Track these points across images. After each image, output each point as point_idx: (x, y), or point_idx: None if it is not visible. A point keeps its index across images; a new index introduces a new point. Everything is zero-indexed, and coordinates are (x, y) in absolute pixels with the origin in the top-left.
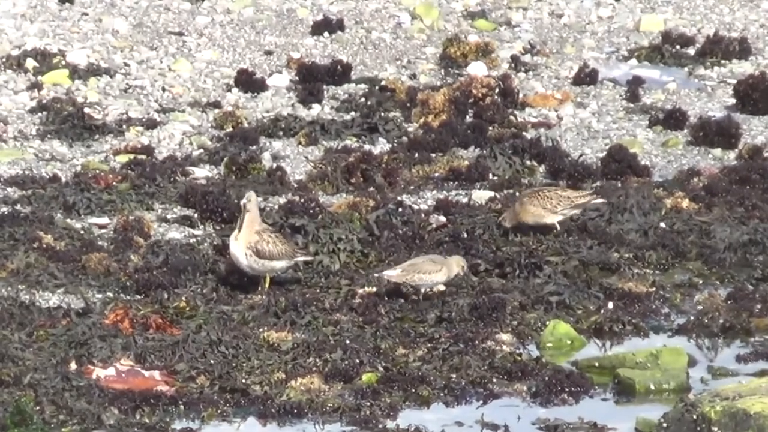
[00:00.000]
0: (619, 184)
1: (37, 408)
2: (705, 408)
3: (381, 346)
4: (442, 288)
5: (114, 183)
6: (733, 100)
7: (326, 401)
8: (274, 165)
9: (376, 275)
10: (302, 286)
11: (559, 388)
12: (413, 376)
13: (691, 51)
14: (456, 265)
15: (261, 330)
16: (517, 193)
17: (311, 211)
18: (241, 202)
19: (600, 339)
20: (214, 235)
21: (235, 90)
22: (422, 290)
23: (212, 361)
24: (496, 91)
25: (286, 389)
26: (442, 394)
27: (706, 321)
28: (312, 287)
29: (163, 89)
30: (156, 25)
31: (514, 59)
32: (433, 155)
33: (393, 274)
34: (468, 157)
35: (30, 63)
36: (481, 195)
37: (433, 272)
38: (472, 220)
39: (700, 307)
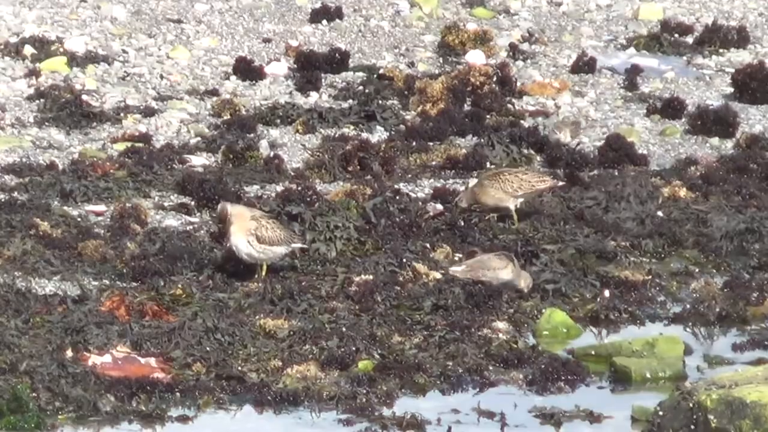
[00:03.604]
0: (617, 173)
1: (33, 395)
2: (701, 396)
3: (377, 333)
4: (438, 276)
5: (111, 170)
6: (731, 89)
7: (322, 389)
8: (272, 153)
9: (441, 270)
10: (298, 274)
11: (556, 376)
12: (409, 363)
13: (690, 40)
14: (524, 279)
15: (257, 317)
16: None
17: (308, 199)
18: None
19: (596, 327)
20: (210, 222)
21: (233, 78)
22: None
23: (208, 349)
24: (494, 79)
25: (283, 377)
26: (438, 382)
27: (702, 309)
28: (308, 275)
29: (161, 77)
30: (154, 12)
31: (513, 47)
32: (431, 143)
33: (458, 269)
34: (465, 145)
35: (28, 50)
36: None
37: (500, 268)
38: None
39: (696, 296)
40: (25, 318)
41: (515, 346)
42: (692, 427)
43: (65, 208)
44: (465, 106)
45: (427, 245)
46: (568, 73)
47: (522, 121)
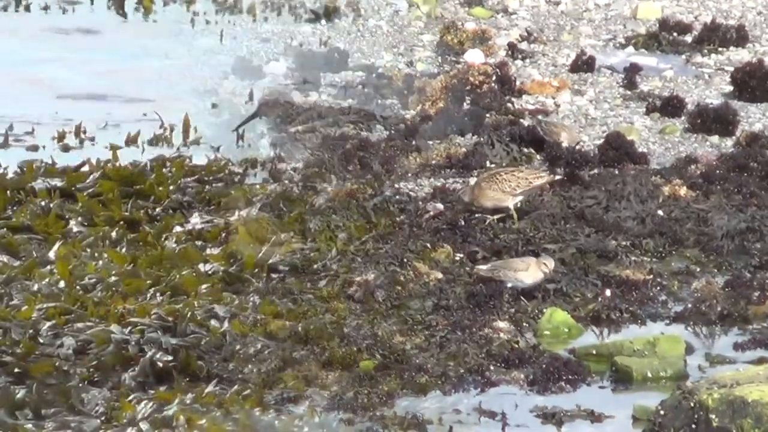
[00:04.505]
0: (617, 172)
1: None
2: (702, 395)
3: (378, 333)
4: (439, 275)
5: None
6: (731, 88)
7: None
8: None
9: (467, 268)
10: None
11: (557, 375)
12: (410, 363)
13: (689, 38)
14: (536, 266)
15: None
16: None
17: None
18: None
19: (597, 327)
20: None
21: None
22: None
23: None
24: (493, 78)
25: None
26: (439, 382)
27: (703, 308)
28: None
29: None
30: None
31: (511, 46)
32: (431, 142)
33: (483, 268)
34: (465, 144)
35: None
36: None
37: (519, 270)
38: None
39: (697, 295)
40: None
41: (516, 345)
42: (694, 426)
43: None
44: (464, 105)
45: (428, 245)
46: (568, 72)
47: (522, 120)
